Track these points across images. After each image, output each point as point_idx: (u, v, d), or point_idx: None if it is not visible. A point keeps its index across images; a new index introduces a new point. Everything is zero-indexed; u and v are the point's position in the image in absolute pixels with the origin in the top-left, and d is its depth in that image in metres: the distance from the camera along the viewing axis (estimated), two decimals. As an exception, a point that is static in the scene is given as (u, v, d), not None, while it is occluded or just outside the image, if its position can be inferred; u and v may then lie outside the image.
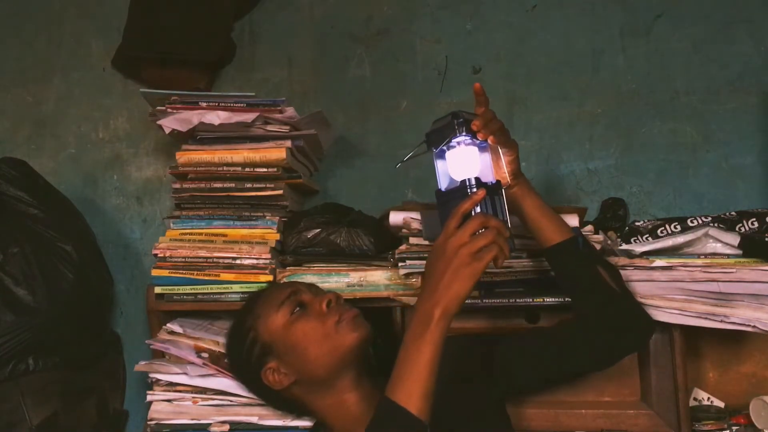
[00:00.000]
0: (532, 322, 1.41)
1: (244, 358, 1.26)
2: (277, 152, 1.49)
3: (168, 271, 1.47)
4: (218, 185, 1.51)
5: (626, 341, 1.25)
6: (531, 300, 1.36)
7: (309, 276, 1.43)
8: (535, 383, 1.33)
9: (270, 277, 1.44)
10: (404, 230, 1.37)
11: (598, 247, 1.34)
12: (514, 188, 1.24)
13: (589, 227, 1.36)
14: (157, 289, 1.47)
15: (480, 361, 1.28)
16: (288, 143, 1.50)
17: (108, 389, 1.68)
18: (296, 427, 1.34)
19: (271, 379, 1.23)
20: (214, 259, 1.46)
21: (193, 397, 1.40)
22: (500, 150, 1.19)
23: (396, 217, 1.39)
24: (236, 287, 1.45)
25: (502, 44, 1.78)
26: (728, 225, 1.40)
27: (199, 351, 1.42)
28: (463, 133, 1.12)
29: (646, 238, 1.42)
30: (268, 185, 1.50)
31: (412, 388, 0.99)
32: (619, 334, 1.23)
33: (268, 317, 1.24)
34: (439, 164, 1.18)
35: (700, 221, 1.42)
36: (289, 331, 1.21)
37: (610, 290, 1.23)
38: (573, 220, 1.35)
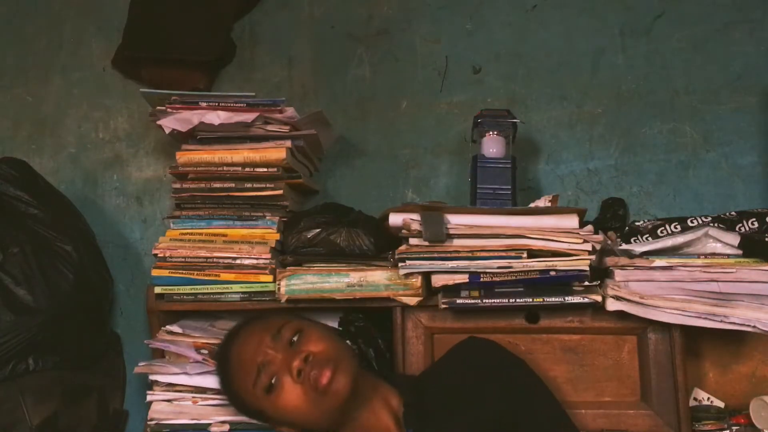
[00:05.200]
0: (532, 322, 1.41)
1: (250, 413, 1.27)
2: (277, 152, 1.49)
3: (168, 271, 1.46)
4: (218, 185, 1.51)
5: None
6: (531, 300, 1.35)
7: (309, 276, 1.42)
8: None
9: (270, 277, 1.44)
10: (404, 231, 1.37)
11: (597, 247, 1.34)
12: None
13: (589, 227, 1.36)
14: (157, 289, 1.47)
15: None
16: (288, 143, 1.50)
17: (108, 389, 1.68)
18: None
19: (279, 430, 1.25)
20: (214, 259, 1.46)
21: (193, 397, 1.41)
22: None
23: (396, 219, 1.39)
24: (236, 287, 1.45)
25: (502, 44, 1.78)
26: (728, 225, 1.40)
27: (198, 348, 1.42)
28: None
29: (646, 238, 1.42)
30: (268, 185, 1.50)
31: None
32: None
33: (246, 394, 1.21)
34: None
35: (700, 221, 1.41)
36: (275, 406, 1.19)
37: None
38: (572, 221, 1.35)
